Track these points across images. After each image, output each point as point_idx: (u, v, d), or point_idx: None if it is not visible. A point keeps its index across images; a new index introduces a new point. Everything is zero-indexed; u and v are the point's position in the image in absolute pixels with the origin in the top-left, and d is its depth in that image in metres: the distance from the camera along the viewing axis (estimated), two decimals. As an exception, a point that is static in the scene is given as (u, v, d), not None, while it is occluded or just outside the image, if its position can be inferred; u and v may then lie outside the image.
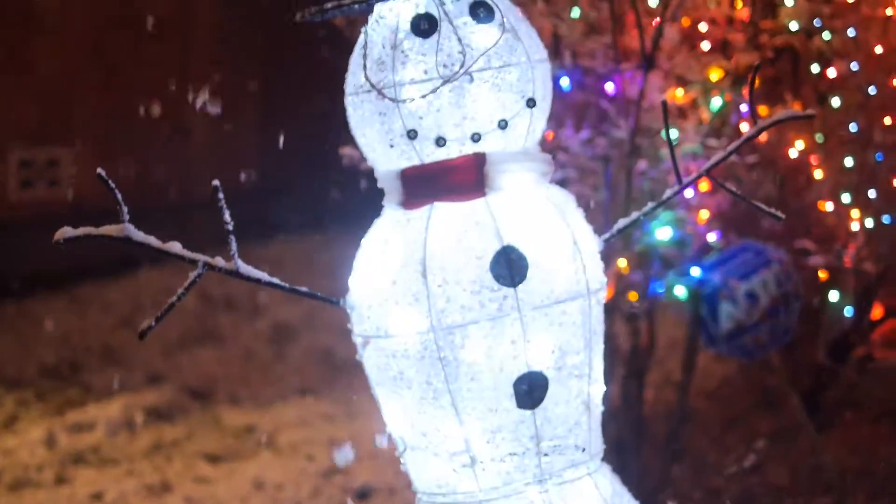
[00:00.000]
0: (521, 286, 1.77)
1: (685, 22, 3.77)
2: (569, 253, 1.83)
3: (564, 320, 1.81)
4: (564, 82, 3.51)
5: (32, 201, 6.61)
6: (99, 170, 1.75)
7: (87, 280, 6.59)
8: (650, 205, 2.03)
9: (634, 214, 2.02)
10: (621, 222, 2.02)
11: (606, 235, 1.99)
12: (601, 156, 3.64)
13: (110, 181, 1.75)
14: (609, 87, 3.48)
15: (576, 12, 3.70)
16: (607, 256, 1.98)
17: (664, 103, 2.02)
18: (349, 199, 2.10)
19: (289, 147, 8.14)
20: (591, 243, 1.91)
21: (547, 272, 1.79)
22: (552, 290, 1.79)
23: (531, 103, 1.84)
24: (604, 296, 1.91)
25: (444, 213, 1.82)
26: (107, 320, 6.37)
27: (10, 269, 6.33)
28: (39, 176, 6.60)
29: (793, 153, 4.20)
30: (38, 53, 6.47)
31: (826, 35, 4.08)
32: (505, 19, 1.83)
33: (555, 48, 3.70)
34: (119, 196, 1.76)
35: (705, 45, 3.91)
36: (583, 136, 3.61)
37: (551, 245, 1.82)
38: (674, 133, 3.52)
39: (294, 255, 7.51)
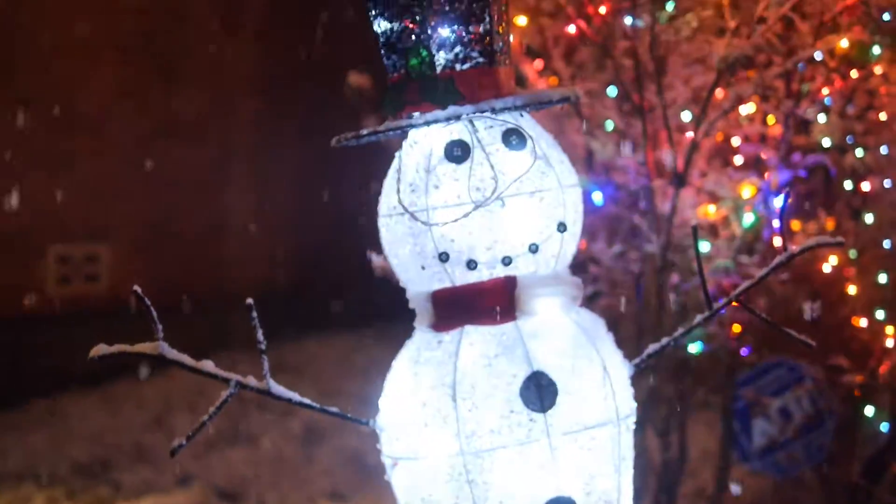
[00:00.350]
0: (550, 412, 1.78)
1: (718, 137, 3.80)
2: (598, 379, 1.84)
3: (594, 446, 1.81)
4: (597, 197, 3.54)
5: (69, 297, 6.67)
6: (135, 287, 1.77)
7: (121, 377, 6.60)
8: (680, 330, 2.03)
9: (665, 340, 2.01)
10: (651, 348, 2.02)
11: (636, 361, 1.98)
12: (633, 270, 3.65)
13: (146, 298, 1.76)
14: (641, 203, 3.52)
15: (609, 125, 3.76)
16: (639, 374, 1.98)
17: (694, 229, 2.03)
18: (384, 300, 2.13)
19: (323, 247, 8.22)
20: (621, 369, 1.91)
21: (577, 398, 1.80)
22: (582, 417, 1.80)
23: (562, 228, 1.86)
24: (633, 421, 1.90)
25: (474, 336, 1.84)
26: (139, 419, 6.37)
27: (44, 364, 6.36)
28: (77, 271, 6.67)
29: (826, 268, 4.19)
30: (78, 151, 6.59)
31: (859, 152, 4.09)
32: (536, 146, 1.86)
33: (588, 162, 3.74)
34: (154, 314, 1.79)
35: (738, 160, 3.95)
36: (615, 250, 3.63)
37: (581, 371, 1.82)
38: (705, 247, 3.53)
39: (328, 355, 7.50)
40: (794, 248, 2.01)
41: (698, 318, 2.01)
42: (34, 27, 6.28)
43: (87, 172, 6.64)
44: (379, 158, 1.92)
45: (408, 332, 1.97)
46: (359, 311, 7.38)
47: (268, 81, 7.86)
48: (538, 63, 4.04)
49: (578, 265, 1.99)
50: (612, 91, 3.82)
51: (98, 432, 6.17)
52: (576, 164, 3.75)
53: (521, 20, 3.66)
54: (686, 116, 3.72)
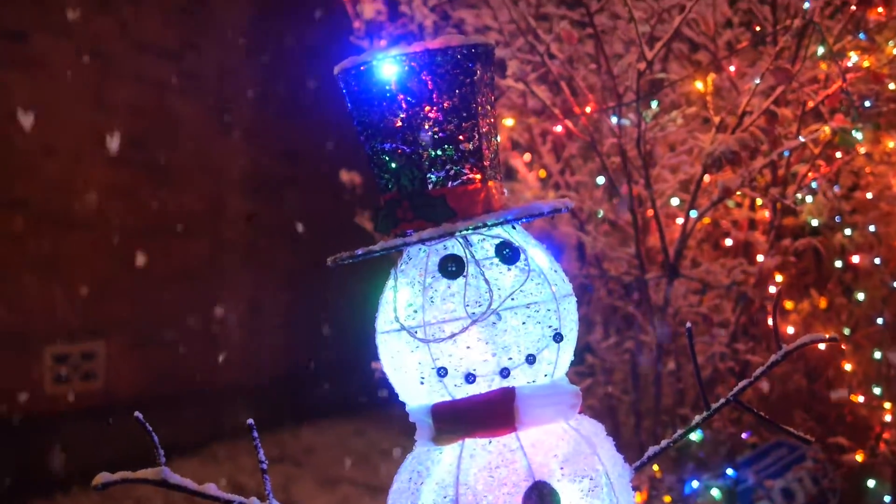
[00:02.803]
0: (553, 522, 1.78)
1: (706, 220, 3.85)
2: (601, 486, 1.84)
3: (597, 553, 1.81)
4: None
5: (66, 395, 6.64)
6: (136, 413, 1.78)
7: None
8: (679, 432, 2.04)
9: (664, 442, 2.03)
10: (652, 450, 2.03)
11: (637, 464, 2.00)
12: (629, 360, 3.67)
13: (147, 425, 1.77)
14: (635, 293, 3.54)
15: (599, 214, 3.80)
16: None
17: (689, 330, 2.05)
18: (380, 385, 2.14)
19: (317, 335, 8.23)
20: (623, 474, 1.92)
21: (579, 507, 1.80)
22: (584, 526, 1.80)
23: (558, 338, 1.88)
24: (634, 526, 1.91)
25: (475, 449, 1.84)
26: (140, 519, 6.33)
27: (41, 463, 6.33)
28: (74, 370, 6.65)
29: (821, 345, 4.20)
30: (73, 251, 6.62)
31: (847, 231, 4.13)
32: (529, 258, 1.89)
33: (581, 253, 3.78)
34: (156, 439, 1.79)
35: (728, 241, 3.99)
36: (610, 341, 3.65)
37: (582, 479, 1.83)
38: (701, 339, 3.55)
39: (327, 441, 7.48)
40: (788, 346, 2.02)
41: (697, 418, 2.03)
42: (27, 129, 6.33)
43: (82, 271, 6.66)
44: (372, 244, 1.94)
45: (405, 415, 1.98)
46: (355, 397, 7.37)
47: (259, 179, 7.95)
48: (527, 156, 4.09)
49: (575, 355, 2.00)
50: (600, 180, 3.87)
51: (98, 533, 6.12)
52: (569, 255, 3.81)
53: (509, 121, 3.71)
54: (675, 201, 3.77)
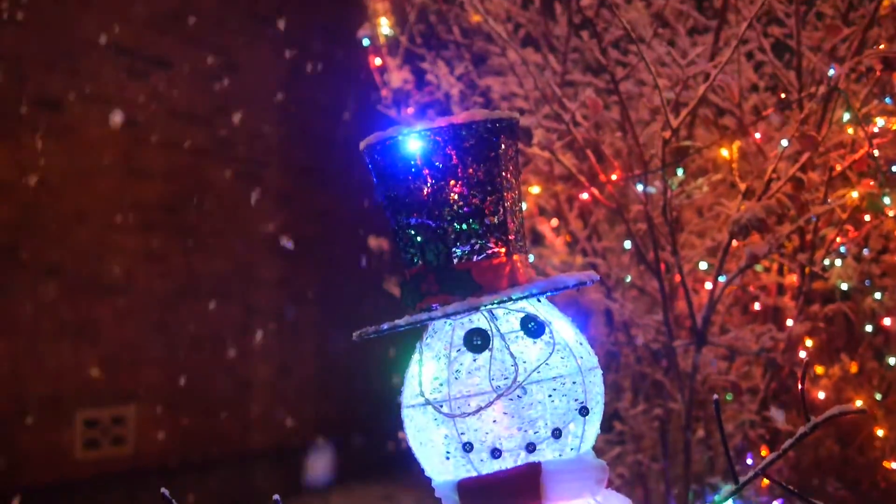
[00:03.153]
0: None
1: (734, 287, 3.82)
2: (628, 560, 1.83)
3: None
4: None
5: (96, 460, 6.65)
6: (163, 490, 1.78)
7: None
8: (709, 505, 2.03)
9: (693, 517, 2.01)
10: (680, 525, 2.01)
11: (665, 539, 1.98)
12: (658, 427, 3.64)
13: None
14: (663, 360, 3.52)
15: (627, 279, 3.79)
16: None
17: (716, 402, 2.04)
18: (409, 451, 2.12)
19: (346, 400, 8.22)
20: (650, 549, 1.91)
21: (606, 584, 1.79)
22: None
23: (584, 411, 1.87)
24: None
25: (500, 525, 1.83)
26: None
27: (71, 528, 6.34)
28: (104, 434, 6.66)
29: (853, 406, 4.15)
30: (103, 316, 6.67)
31: (877, 294, 4.09)
32: (554, 331, 1.88)
33: (608, 319, 3.76)
34: (182, 514, 1.79)
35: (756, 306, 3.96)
36: (639, 409, 3.62)
37: (610, 555, 1.82)
38: (731, 406, 3.52)
39: (354, 508, 7.46)
40: (816, 418, 2.00)
41: (724, 491, 2.01)
42: (58, 196, 6.42)
43: (113, 335, 6.71)
44: (400, 310, 1.94)
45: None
46: (384, 460, 7.34)
47: (290, 242, 8.00)
48: (554, 221, 4.09)
49: (604, 422, 1.98)
50: (627, 244, 3.87)
51: None
52: (597, 321, 3.80)
53: (535, 189, 3.72)
54: (703, 265, 3.75)
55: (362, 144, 1.93)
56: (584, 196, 3.59)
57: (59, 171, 6.41)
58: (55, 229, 6.40)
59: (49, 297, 6.35)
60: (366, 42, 4.09)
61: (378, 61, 4.11)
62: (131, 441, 6.82)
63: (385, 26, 4.05)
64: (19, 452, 6.20)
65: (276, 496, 1.85)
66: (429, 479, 1.96)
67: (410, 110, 4.03)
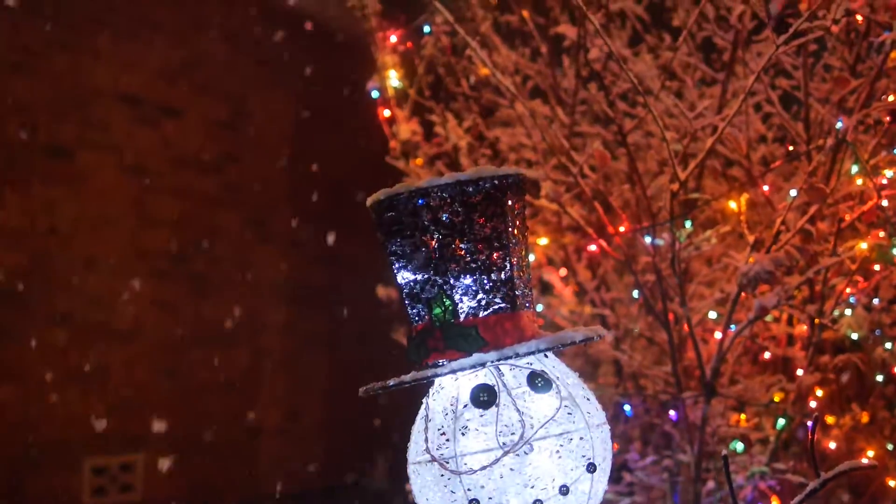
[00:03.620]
0: None
1: (742, 337, 3.81)
2: None
3: None
4: (627, 408, 3.53)
5: (104, 507, 6.63)
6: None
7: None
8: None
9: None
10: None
11: None
12: (668, 479, 3.62)
13: None
14: (672, 412, 3.50)
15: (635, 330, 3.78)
16: None
17: (725, 458, 2.02)
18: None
19: (356, 445, 8.19)
20: None
21: None
22: None
23: (591, 468, 1.86)
24: None
25: (508, 583, 1.81)
26: None
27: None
28: (112, 482, 6.64)
29: (864, 461, 4.11)
30: (112, 362, 6.67)
31: (888, 344, 4.07)
32: (562, 387, 1.87)
33: (617, 370, 3.75)
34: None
35: (766, 354, 3.95)
36: (648, 461, 3.60)
37: None
38: (740, 457, 3.50)
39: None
40: (826, 474, 1.99)
41: (736, 550, 1.99)
42: (69, 243, 6.45)
43: (121, 382, 6.70)
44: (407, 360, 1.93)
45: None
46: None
47: (297, 288, 8.01)
48: (562, 270, 4.09)
49: (612, 473, 1.97)
50: (635, 294, 3.86)
51: None
52: (605, 370, 3.79)
53: (543, 241, 3.73)
54: (712, 314, 3.74)
55: (369, 201, 1.93)
56: (593, 247, 3.58)
57: (69, 219, 6.44)
58: (65, 276, 6.41)
59: (58, 343, 6.36)
60: (375, 94, 4.11)
61: (387, 113, 4.13)
62: (139, 489, 6.80)
63: (394, 78, 4.07)
64: (27, 499, 6.18)
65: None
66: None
67: (419, 161, 4.04)
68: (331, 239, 8.10)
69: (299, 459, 8.00)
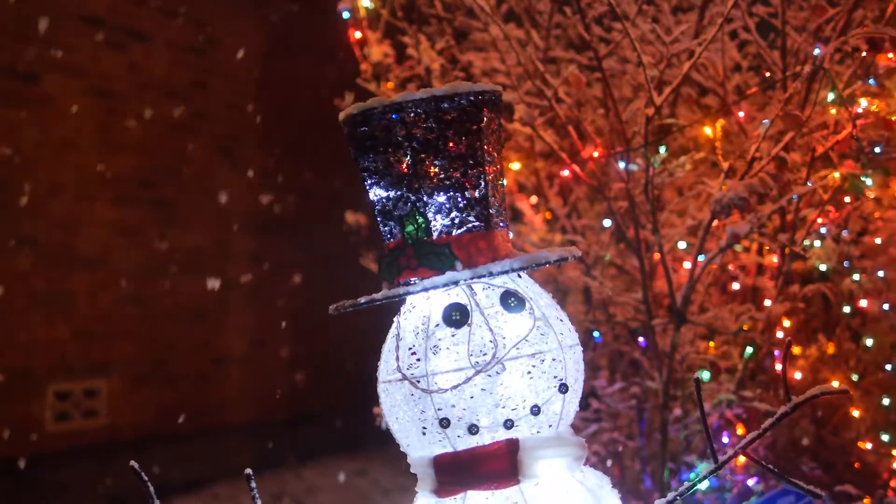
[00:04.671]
0: (556, 577, 1.74)
1: (713, 266, 3.81)
2: (605, 539, 1.81)
3: None
4: (596, 334, 3.53)
5: (67, 433, 6.60)
6: (132, 463, 1.75)
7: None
8: (686, 484, 2.00)
9: (671, 495, 1.98)
10: (658, 503, 1.99)
11: (643, 518, 1.96)
12: (635, 406, 3.63)
13: (143, 473, 1.74)
14: (641, 339, 3.50)
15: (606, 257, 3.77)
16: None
17: (697, 381, 2.01)
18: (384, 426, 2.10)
19: (320, 373, 8.20)
20: (628, 529, 1.89)
21: (583, 562, 1.76)
22: (589, 580, 1.76)
23: (563, 389, 1.85)
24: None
25: (477, 501, 1.80)
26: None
27: (43, 502, 6.29)
28: (75, 407, 6.62)
29: (835, 385, 4.15)
30: (77, 289, 6.62)
31: (856, 276, 4.09)
32: (535, 307, 1.85)
33: (587, 297, 3.74)
34: (151, 489, 1.76)
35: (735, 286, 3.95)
36: (616, 387, 3.61)
37: (587, 533, 1.79)
38: (708, 385, 3.51)
39: (330, 482, 7.43)
40: (797, 398, 1.99)
41: (704, 471, 1.99)
42: (33, 168, 6.35)
43: (86, 309, 6.65)
44: (377, 286, 1.90)
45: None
46: (358, 435, 7.33)
47: (265, 216, 7.95)
48: (533, 198, 4.07)
49: (580, 401, 1.96)
50: (607, 223, 3.84)
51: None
52: (574, 298, 3.78)
53: (515, 165, 3.69)
54: (682, 245, 3.74)
55: (342, 115, 1.89)
56: (565, 173, 3.56)
57: (33, 143, 6.34)
58: (28, 201, 6.33)
59: (22, 268, 6.29)
60: (346, 15, 4.04)
61: (358, 35, 4.06)
62: (103, 414, 6.78)
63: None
64: (-10, 425, 6.16)
65: (248, 470, 1.82)
66: (404, 455, 1.94)
67: (391, 84, 3.98)
68: (300, 166, 8.03)
69: (265, 388, 8.00)
